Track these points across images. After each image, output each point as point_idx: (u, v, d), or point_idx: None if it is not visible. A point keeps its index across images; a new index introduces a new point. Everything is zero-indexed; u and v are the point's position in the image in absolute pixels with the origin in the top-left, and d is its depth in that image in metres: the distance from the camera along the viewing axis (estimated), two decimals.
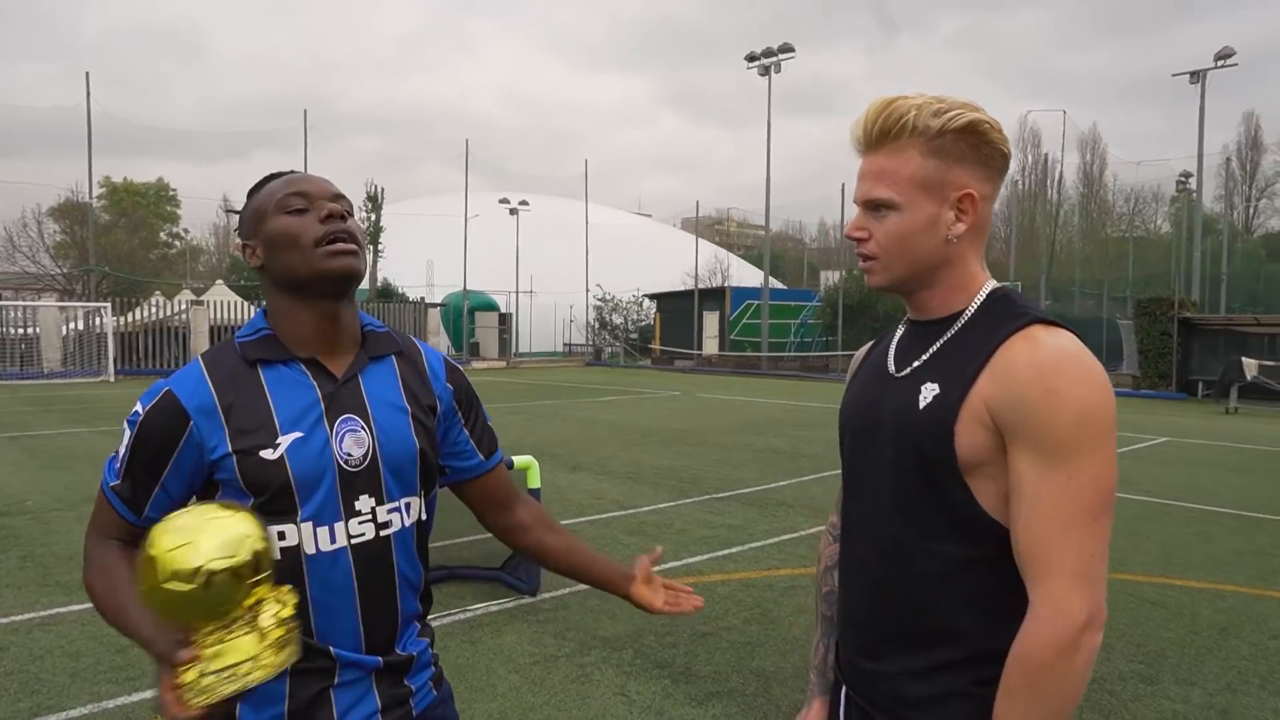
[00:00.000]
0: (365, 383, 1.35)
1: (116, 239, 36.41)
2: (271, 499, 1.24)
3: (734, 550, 5.92)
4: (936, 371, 1.24)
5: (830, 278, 36.10)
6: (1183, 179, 35.91)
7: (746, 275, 42.83)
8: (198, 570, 1.05)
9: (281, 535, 1.25)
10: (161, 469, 1.28)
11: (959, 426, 1.17)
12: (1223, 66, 23.42)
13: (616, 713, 3.48)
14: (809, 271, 50.45)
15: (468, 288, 31.51)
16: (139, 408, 1.29)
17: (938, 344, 1.27)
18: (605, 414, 14.84)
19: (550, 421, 13.60)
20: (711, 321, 32.81)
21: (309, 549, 1.26)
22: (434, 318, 29.80)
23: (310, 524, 1.26)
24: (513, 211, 34.96)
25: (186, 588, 1.04)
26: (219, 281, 32.01)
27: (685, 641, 4.23)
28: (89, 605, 4.60)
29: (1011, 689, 1.13)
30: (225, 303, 26.06)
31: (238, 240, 1.38)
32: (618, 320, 36.16)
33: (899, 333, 1.38)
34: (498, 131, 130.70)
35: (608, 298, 35.80)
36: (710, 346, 32.27)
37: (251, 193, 1.39)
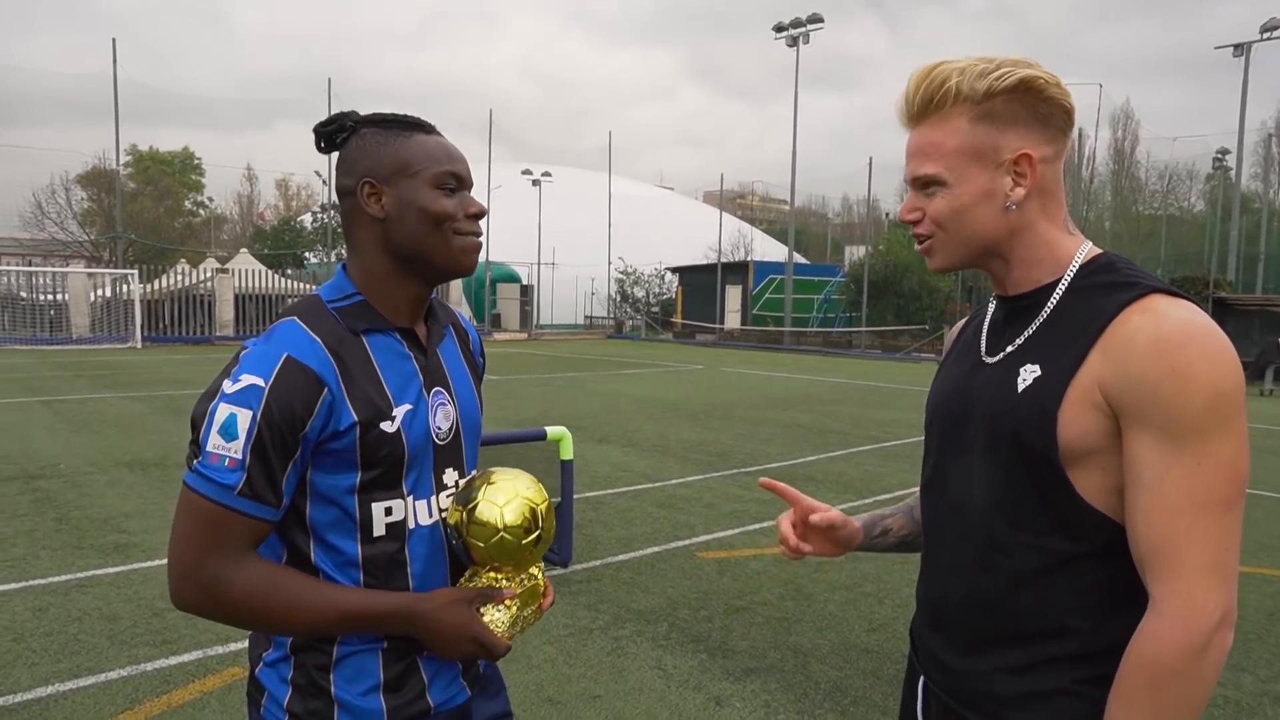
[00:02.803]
0: (442, 354, 1.34)
1: (143, 207, 36.67)
2: (383, 474, 1.20)
3: (765, 525, 5.86)
4: (1037, 352, 1.14)
5: (854, 253, 35.72)
6: (1219, 155, 35.09)
7: (769, 250, 42.47)
8: (537, 524, 1.21)
9: (389, 511, 1.22)
10: (295, 446, 1.13)
11: (1064, 411, 1.07)
12: (1269, 39, 22.71)
13: (654, 686, 3.44)
14: (832, 247, 49.99)
15: (489, 259, 31.46)
16: (255, 380, 1.10)
17: (1036, 322, 1.16)
18: (629, 387, 14.79)
19: (574, 394, 13.57)
20: (734, 296, 32.59)
21: (411, 524, 1.24)
22: (455, 288, 29.82)
23: (411, 498, 1.24)
24: (535, 183, 34.80)
25: (519, 540, 1.20)
26: (243, 250, 32.20)
27: (720, 616, 4.19)
28: (126, 567, 4.67)
29: (1130, 693, 1.03)
30: (250, 271, 26.20)
31: (347, 180, 1.24)
32: (639, 293, 36.04)
33: (990, 311, 1.27)
34: (519, 104, 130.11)
35: (629, 270, 35.65)
36: (732, 321, 32.09)
37: (383, 123, 1.25)
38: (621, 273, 35.83)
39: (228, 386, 1.11)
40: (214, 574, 1.11)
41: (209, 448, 1.09)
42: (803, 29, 28.64)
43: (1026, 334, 1.17)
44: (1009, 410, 1.13)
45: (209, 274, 25.62)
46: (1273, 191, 43.98)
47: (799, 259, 36.40)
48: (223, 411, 1.09)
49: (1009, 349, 1.18)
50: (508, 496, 1.20)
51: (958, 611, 1.21)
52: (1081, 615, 1.11)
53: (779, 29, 29.14)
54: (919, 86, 1.14)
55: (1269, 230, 30.06)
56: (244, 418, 1.08)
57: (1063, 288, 1.15)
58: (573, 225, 37.34)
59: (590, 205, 37.95)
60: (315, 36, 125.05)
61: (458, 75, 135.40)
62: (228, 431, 1.09)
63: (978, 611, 1.19)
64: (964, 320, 1.40)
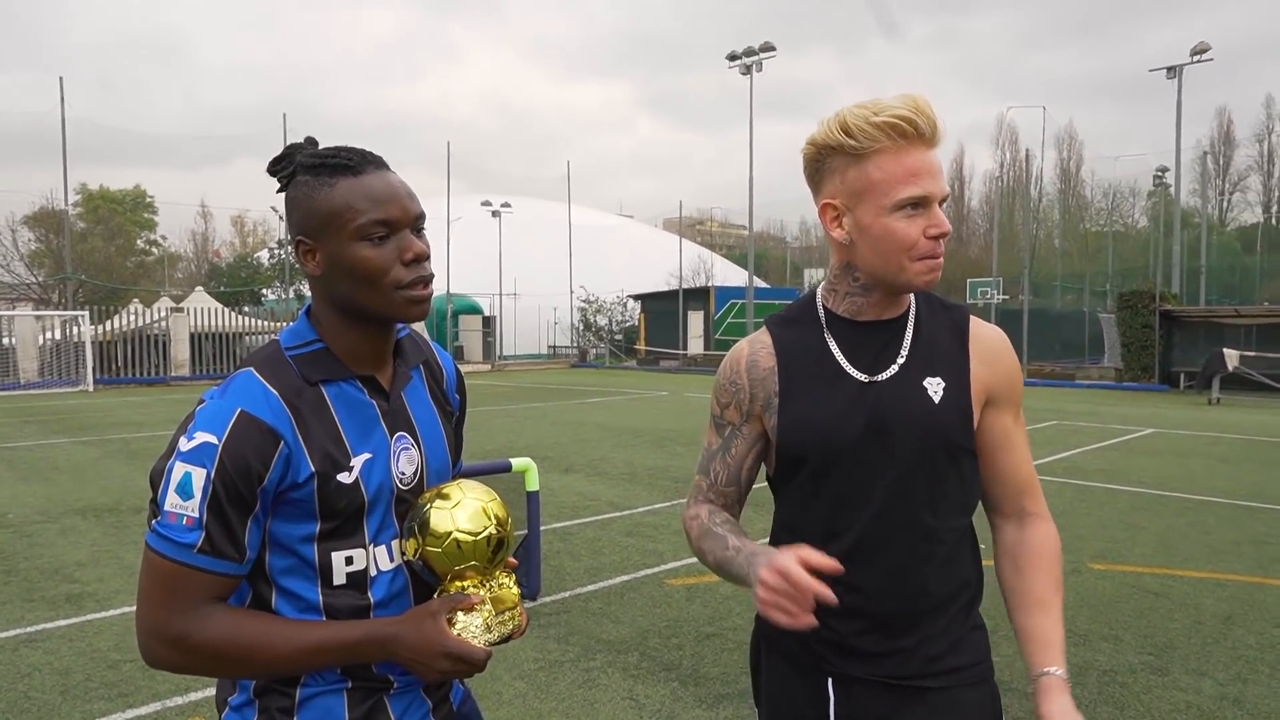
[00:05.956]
0: (407, 398, 1.30)
1: (93, 247, 35.94)
2: (342, 524, 1.19)
3: None
4: (927, 366, 1.34)
5: (813, 276, 36.19)
6: (1159, 173, 36.31)
7: (730, 275, 42.84)
8: (490, 521, 1.20)
9: (349, 560, 1.20)
10: (254, 502, 1.13)
11: (974, 408, 1.34)
12: (1199, 61, 23.65)
13: (626, 717, 3.41)
14: (791, 270, 50.61)
15: (451, 291, 31.29)
16: (209, 437, 1.10)
17: (907, 341, 1.35)
18: (594, 415, 14.76)
19: (539, 424, 13.51)
20: (696, 321, 32.78)
21: (373, 571, 1.22)
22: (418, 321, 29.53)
23: (372, 546, 1.22)
24: (495, 214, 34.79)
25: (475, 538, 1.19)
26: (198, 288, 31.64)
27: (691, 643, 4.17)
28: (79, 619, 4.52)
29: (1057, 579, 1.38)
30: (205, 309, 25.74)
31: (290, 233, 1.22)
32: (602, 321, 36.06)
33: (828, 338, 1.36)
34: (479, 136, 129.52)
35: (592, 299, 35.69)
36: (695, 346, 32.24)
37: (315, 168, 1.18)
38: (584, 301, 35.83)
39: (183, 444, 1.11)
40: (180, 630, 1.11)
41: (167, 507, 1.10)
42: (755, 57, 29.17)
43: (904, 352, 1.34)
44: (933, 419, 1.31)
45: (163, 313, 25.10)
46: (1210, 207, 45.62)
47: (759, 283, 36.78)
48: (179, 470, 1.10)
49: (897, 365, 1.33)
50: (457, 500, 1.20)
51: (888, 604, 1.33)
52: (971, 568, 1.40)
53: (732, 57, 29.64)
54: (931, 112, 1.24)
55: (1208, 244, 31.11)
56: (199, 476, 1.09)
57: (913, 310, 1.37)
58: (534, 255, 37.31)
59: (551, 235, 37.98)
60: (275, 71, 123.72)
61: (418, 107, 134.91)
62: (184, 490, 1.10)
63: (910, 598, 1.34)
64: (747, 349, 1.42)
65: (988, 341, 1.38)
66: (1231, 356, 17.20)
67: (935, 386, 1.32)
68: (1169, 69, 24.27)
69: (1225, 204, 51.65)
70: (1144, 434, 12.10)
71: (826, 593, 1.12)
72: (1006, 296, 27.25)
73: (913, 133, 1.22)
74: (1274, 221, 48.97)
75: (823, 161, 1.30)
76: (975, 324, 1.39)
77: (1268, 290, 30.93)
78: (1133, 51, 78.83)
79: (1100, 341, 25.43)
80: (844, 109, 1.27)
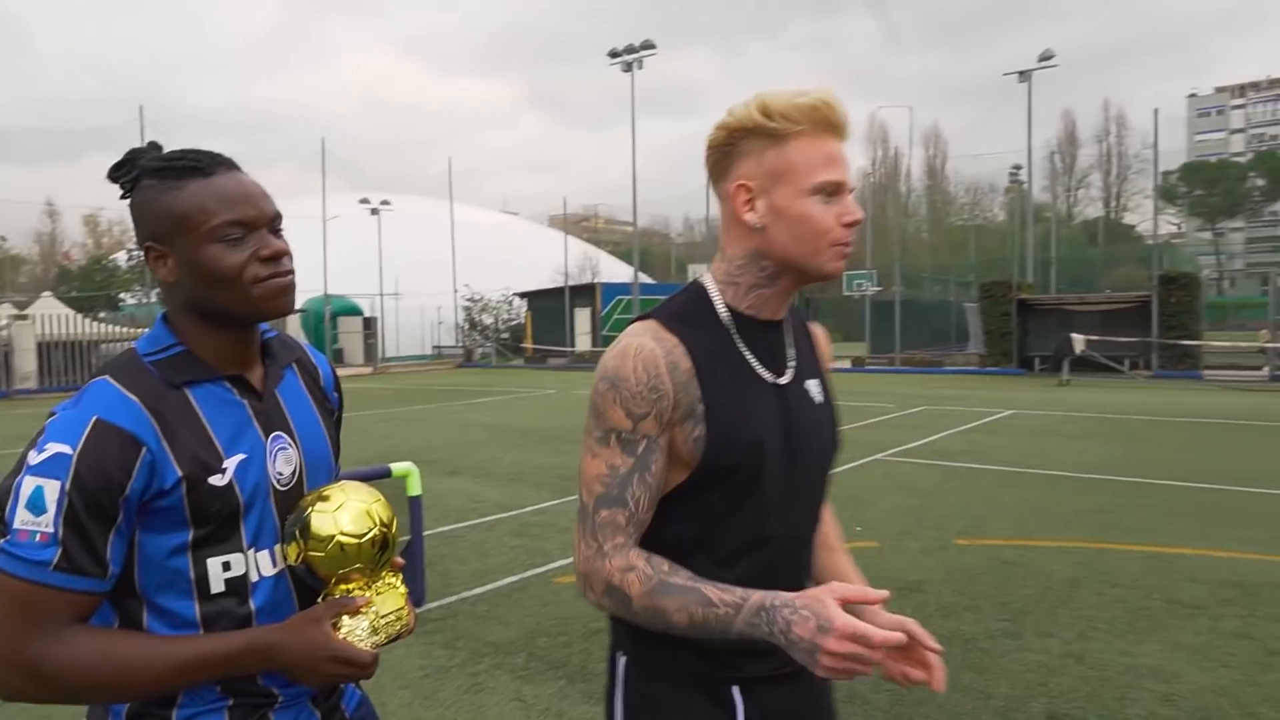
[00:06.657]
0: (282, 396, 1.27)
1: None
2: (217, 529, 1.14)
3: None
4: (807, 369, 1.36)
5: (698, 271, 36.78)
6: (1014, 171, 38.90)
7: (616, 271, 43.09)
8: (374, 522, 1.18)
9: (227, 566, 1.15)
10: (115, 513, 1.07)
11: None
12: (1045, 67, 25.44)
13: (513, 719, 3.40)
14: (676, 266, 51.34)
15: (329, 292, 30.15)
16: (62, 448, 1.05)
17: (790, 342, 1.35)
18: (480, 416, 14.56)
19: (424, 426, 13.22)
20: (583, 318, 32.78)
21: (254, 576, 1.18)
22: (293, 324, 28.31)
23: (252, 550, 1.18)
24: (374, 212, 33.74)
25: (359, 540, 1.17)
26: (46, 294, 29.29)
27: (579, 640, 4.20)
28: None
29: (839, 531, 1.48)
30: (54, 316, 23.86)
31: (139, 240, 1.17)
32: (488, 320, 35.56)
33: (735, 337, 1.28)
34: (355, 134, 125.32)
35: (476, 298, 35.15)
36: (583, 343, 32.25)
37: (161, 171, 1.15)
38: (468, 300, 35.24)
39: (32, 458, 1.05)
40: (38, 655, 1.03)
41: (17, 524, 1.03)
42: (636, 55, 29.40)
43: (794, 353, 1.35)
44: (828, 424, 1.36)
45: (4, 321, 23.11)
46: (1059, 202, 49.13)
47: (645, 279, 37.15)
48: (28, 485, 1.03)
49: (790, 367, 1.33)
50: (339, 502, 1.18)
51: None
52: None
53: (613, 54, 29.78)
54: (844, 107, 1.24)
55: (1058, 237, 33.52)
56: (52, 489, 1.03)
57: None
58: (416, 254, 36.40)
59: (434, 233, 37.19)
60: (131, 62, 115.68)
61: (290, 103, 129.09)
62: (35, 505, 1.03)
63: (802, 587, 1.33)
64: (659, 349, 1.23)
65: (821, 340, 1.44)
66: (1078, 341, 18.62)
67: (815, 389, 1.35)
68: (1020, 73, 25.97)
69: (1071, 199, 55.82)
70: (1004, 415, 12.94)
71: (898, 637, 1.04)
72: (880, 288, 28.52)
73: (835, 120, 1.23)
74: (1112, 215, 53.27)
75: (735, 145, 1.26)
76: (811, 325, 1.45)
77: (1108, 279, 33.59)
78: (989, 55, 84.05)
79: (965, 330, 26.99)
80: (759, 94, 1.25)
